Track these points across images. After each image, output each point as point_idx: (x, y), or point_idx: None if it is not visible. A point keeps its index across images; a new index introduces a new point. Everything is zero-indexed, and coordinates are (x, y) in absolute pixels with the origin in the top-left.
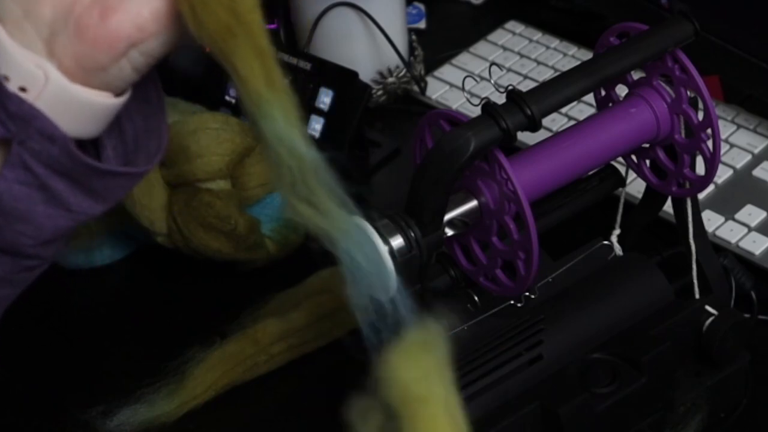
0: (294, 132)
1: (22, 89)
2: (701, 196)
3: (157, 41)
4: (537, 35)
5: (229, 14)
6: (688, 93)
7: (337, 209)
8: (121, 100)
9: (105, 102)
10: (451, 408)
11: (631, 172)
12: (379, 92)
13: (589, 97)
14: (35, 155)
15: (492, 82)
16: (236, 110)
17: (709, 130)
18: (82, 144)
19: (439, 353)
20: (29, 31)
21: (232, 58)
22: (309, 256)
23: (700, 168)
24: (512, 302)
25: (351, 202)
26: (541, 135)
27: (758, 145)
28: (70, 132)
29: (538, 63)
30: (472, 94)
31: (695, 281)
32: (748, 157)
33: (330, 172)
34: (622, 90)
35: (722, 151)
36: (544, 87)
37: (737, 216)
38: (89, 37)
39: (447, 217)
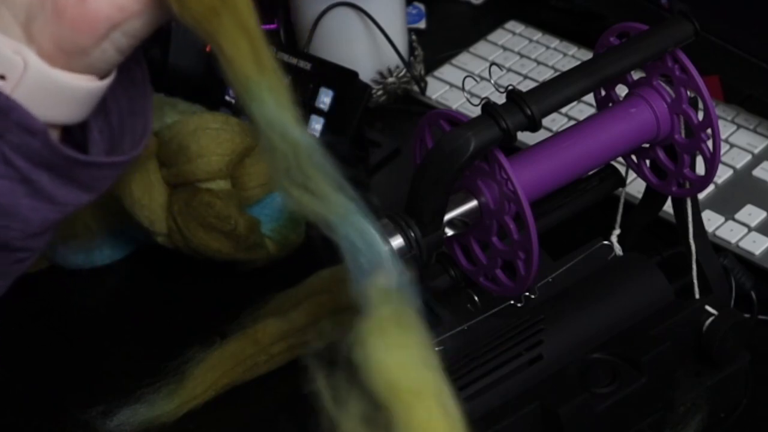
0: (286, 115)
1: (1, 77)
2: (701, 196)
3: (139, 21)
4: (537, 35)
5: None
6: (688, 93)
7: (335, 194)
8: (106, 82)
9: (89, 85)
10: (445, 400)
11: (631, 172)
12: (379, 92)
13: (589, 97)
14: (15, 148)
15: (492, 82)
16: (236, 110)
17: (709, 130)
18: (69, 128)
19: (416, 330)
20: (5, 16)
21: (217, 39)
22: (309, 256)
23: (700, 168)
24: (512, 302)
25: (348, 185)
26: (541, 135)
27: (758, 145)
28: (55, 118)
29: (538, 63)
30: (472, 94)
31: (695, 281)
32: (748, 157)
33: (326, 156)
34: (622, 90)
35: (722, 151)
36: (544, 87)
37: (737, 216)
38: (68, 18)
39: (447, 217)
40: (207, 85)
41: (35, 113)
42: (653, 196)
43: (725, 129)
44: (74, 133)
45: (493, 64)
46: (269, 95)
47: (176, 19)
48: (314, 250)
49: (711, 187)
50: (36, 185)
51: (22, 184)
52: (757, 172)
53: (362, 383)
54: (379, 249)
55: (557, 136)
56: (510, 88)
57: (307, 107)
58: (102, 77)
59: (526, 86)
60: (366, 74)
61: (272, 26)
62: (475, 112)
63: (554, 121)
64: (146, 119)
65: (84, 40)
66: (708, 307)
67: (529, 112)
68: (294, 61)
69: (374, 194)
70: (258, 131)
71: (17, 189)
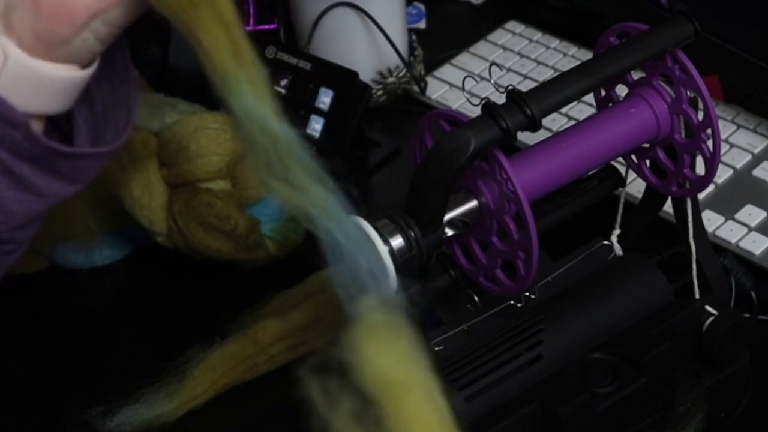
0: (264, 108)
1: None
2: (701, 196)
3: (119, 10)
4: (537, 35)
5: None
6: (688, 93)
7: (315, 186)
8: (89, 71)
9: (71, 75)
10: (433, 394)
11: (631, 172)
12: (379, 92)
13: (589, 97)
14: None
15: (492, 82)
16: None
17: (709, 130)
18: (54, 118)
19: (406, 334)
20: None
21: (195, 30)
22: (309, 256)
23: (700, 168)
24: (512, 302)
25: (329, 178)
26: (541, 135)
27: (758, 145)
28: (37, 109)
29: (538, 63)
30: (472, 94)
31: (695, 281)
32: (748, 157)
33: (306, 149)
34: (622, 90)
35: (722, 151)
36: (544, 87)
37: (737, 216)
38: (47, 9)
39: (447, 217)
40: (207, 85)
41: (16, 104)
42: (653, 196)
43: (725, 129)
44: (59, 123)
45: (493, 64)
46: (248, 88)
47: (154, 9)
48: (314, 250)
49: (711, 187)
50: (20, 177)
51: (5, 176)
52: (757, 172)
53: (353, 383)
54: (359, 242)
55: (557, 136)
56: (510, 88)
57: (307, 107)
58: (84, 66)
59: (526, 86)
60: (366, 74)
61: (272, 26)
62: (475, 112)
63: (554, 121)
64: (129, 108)
65: (63, 30)
66: (708, 307)
67: (529, 112)
68: (294, 61)
69: (374, 194)
70: (237, 124)
71: (1, 181)
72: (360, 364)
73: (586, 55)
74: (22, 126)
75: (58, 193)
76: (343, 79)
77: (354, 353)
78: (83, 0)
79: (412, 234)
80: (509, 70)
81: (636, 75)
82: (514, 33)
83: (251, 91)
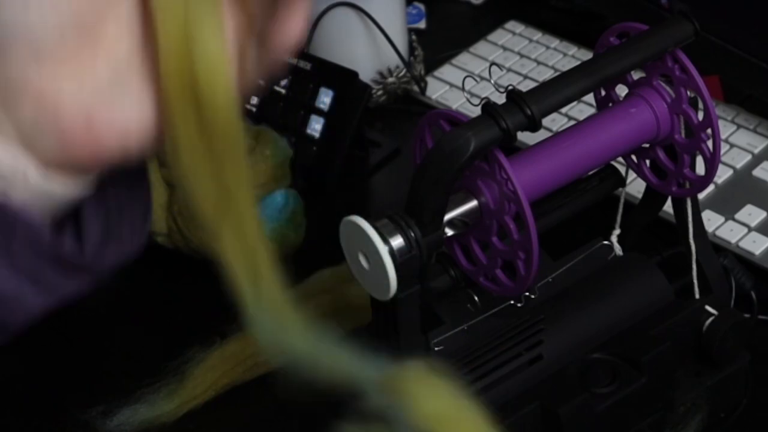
0: (288, 336)
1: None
2: (701, 196)
3: (138, 149)
4: (537, 35)
5: (219, 189)
6: (688, 93)
7: (356, 372)
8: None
9: (82, 187)
10: (484, 426)
11: (631, 172)
12: (379, 92)
13: (589, 97)
14: (22, 247)
15: (492, 82)
16: None
17: (709, 130)
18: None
19: (450, 383)
20: (4, 122)
21: (216, 247)
22: (309, 256)
23: (700, 168)
24: (512, 302)
25: (369, 359)
26: (541, 135)
27: (758, 145)
28: (53, 215)
29: (538, 63)
30: (472, 94)
31: (695, 281)
32: (748, 157)
33: (342, 347)
34: (622, 90)
35: (722, 151)
36: (544, 87)
37: (737, 216)
38: (74, 147)
39: (447, 217)
40: None
41: (36, 215)
42: (653, 196)
43: (725, 129)
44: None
45: (493, 64)
46: (267, 317)
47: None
48: (314, 250)
49: (711, 187)
50: (40, 277)
51: (34, 285)
52: (757, 172)
53: (396, 426)
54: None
55: (557, 136)
56: (510, 88)
57: (307, 107)
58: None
59: (526, 86)
60: (366, 74)
61: None
62: (475, 112)
63: (554, 121)
64: (145, 207)
65: (86, 163)
66: (708, 307)
67: (529, 112)
68: (294, 61)
69: (374, 194)
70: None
71: (27, 289)
72: (411, 405)
73: (586, 55)
74: (46, 236)
75: (75, 289)
76: (343, 79)
77: (402, 397)
78: (110, 141)
79: (412, 234)
80: (509, 70)
81: (636, 75)
82: (514, 33)
83: (272, 321)
